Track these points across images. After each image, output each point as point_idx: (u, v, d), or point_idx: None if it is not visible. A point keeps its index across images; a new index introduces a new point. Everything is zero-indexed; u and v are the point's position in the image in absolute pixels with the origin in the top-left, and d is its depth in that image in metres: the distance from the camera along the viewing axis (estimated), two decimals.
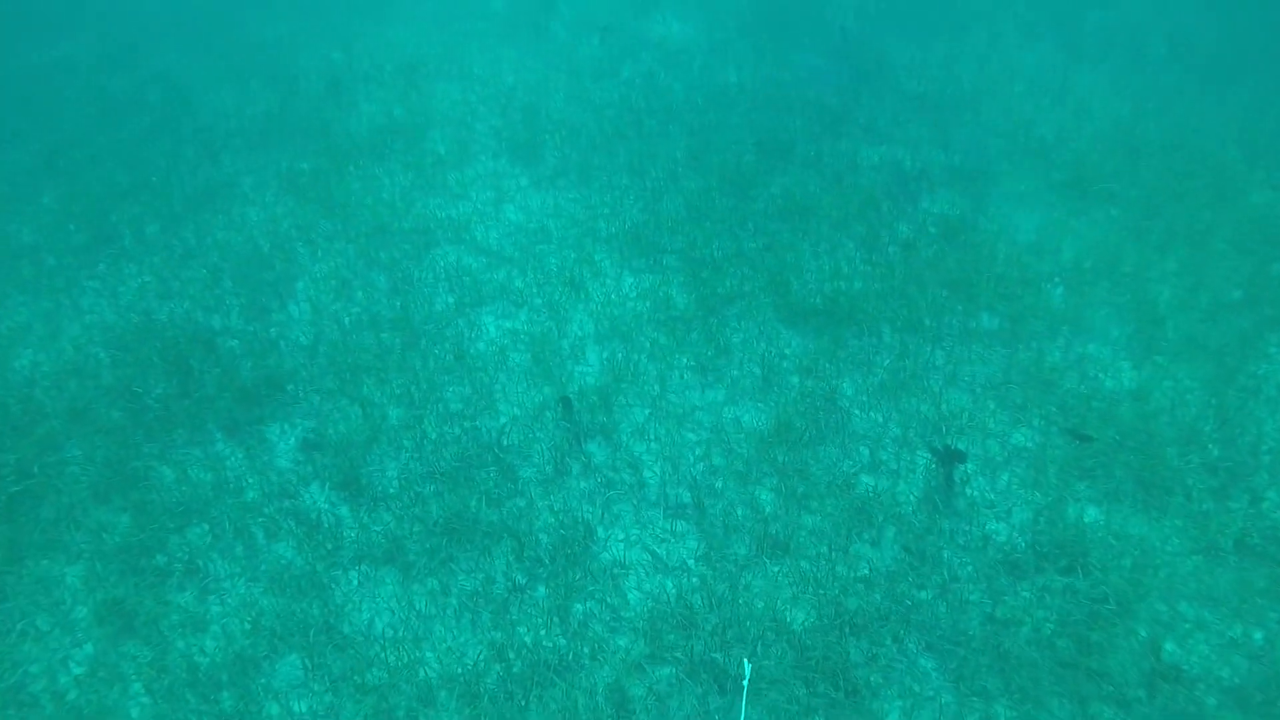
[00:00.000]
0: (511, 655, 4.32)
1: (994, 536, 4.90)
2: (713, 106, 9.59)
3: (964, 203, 7.95)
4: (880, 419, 5.72)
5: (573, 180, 8.43)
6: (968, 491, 5.17)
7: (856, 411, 5.77)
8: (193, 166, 8.81)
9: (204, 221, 7.93)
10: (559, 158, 8.77)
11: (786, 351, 6.28)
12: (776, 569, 4.74)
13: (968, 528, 4.96)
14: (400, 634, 4.47)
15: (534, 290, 6.94)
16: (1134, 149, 8.61)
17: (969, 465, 5.29)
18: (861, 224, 7.63)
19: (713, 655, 4.27)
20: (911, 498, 5.15)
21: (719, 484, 5.28)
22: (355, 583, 4.75)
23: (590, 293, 6.90)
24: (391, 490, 5.28)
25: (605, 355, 6.28)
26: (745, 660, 4.10)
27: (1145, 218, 7.62)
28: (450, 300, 6.89)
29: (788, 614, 4.47)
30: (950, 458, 5.15)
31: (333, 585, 4.72)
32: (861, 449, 5.51)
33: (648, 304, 6.72)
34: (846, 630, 4.36)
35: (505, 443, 5.60)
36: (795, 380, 6.02)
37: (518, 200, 8.22)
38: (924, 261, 7.12)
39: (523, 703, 4.11)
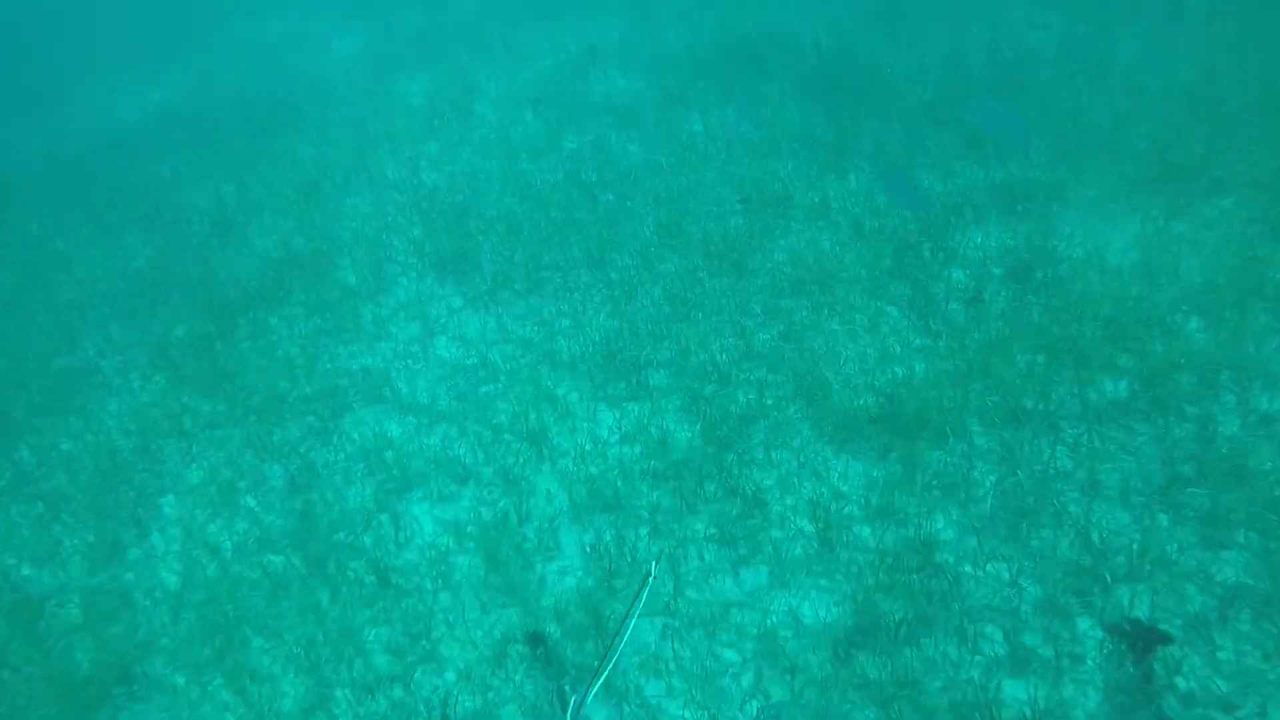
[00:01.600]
0: None
1: None
2: (680, 166, 8.17)
3: (1027, 228, 6.39)
4: (1006, 574, 4.01)
5: (518, 290, 6.93)
6: (1180, 685, 3.42)
7: (968, 568, 4.07)
8: (45, 355, 7.35)
9: (48, 429, 6.42)
10: (498, 264, 7.29)
11: (844, 488, 4.62)
12: None
13: None
14: None
15: (480, 456, 5.35)
16: (1221, 118, 7.06)
17: (1168, 629, 3.55)
18: (902, 281, 6.06)
19: None
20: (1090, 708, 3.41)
21: None
22: None
23: (557, 445, 5.30)
24: None
25: (588, 541, 4.63)
26: None
27: (1273, 201, 6.01)
28: (367, 490, 5.29)
29: None
30: (1139, 636, 3.42)
31: None
32: (992, 634, 3.78)
33: (636, 449, 5.12)
34: None
35: (455, 717, 3.89)
36: (866, 534, 4.33)
37: (451, 330, 6.70)
38: (1000, 319, 5.50)
39: None
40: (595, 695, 3.72)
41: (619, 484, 4.88)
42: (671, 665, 3.94)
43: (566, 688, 3.77)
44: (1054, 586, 3.91)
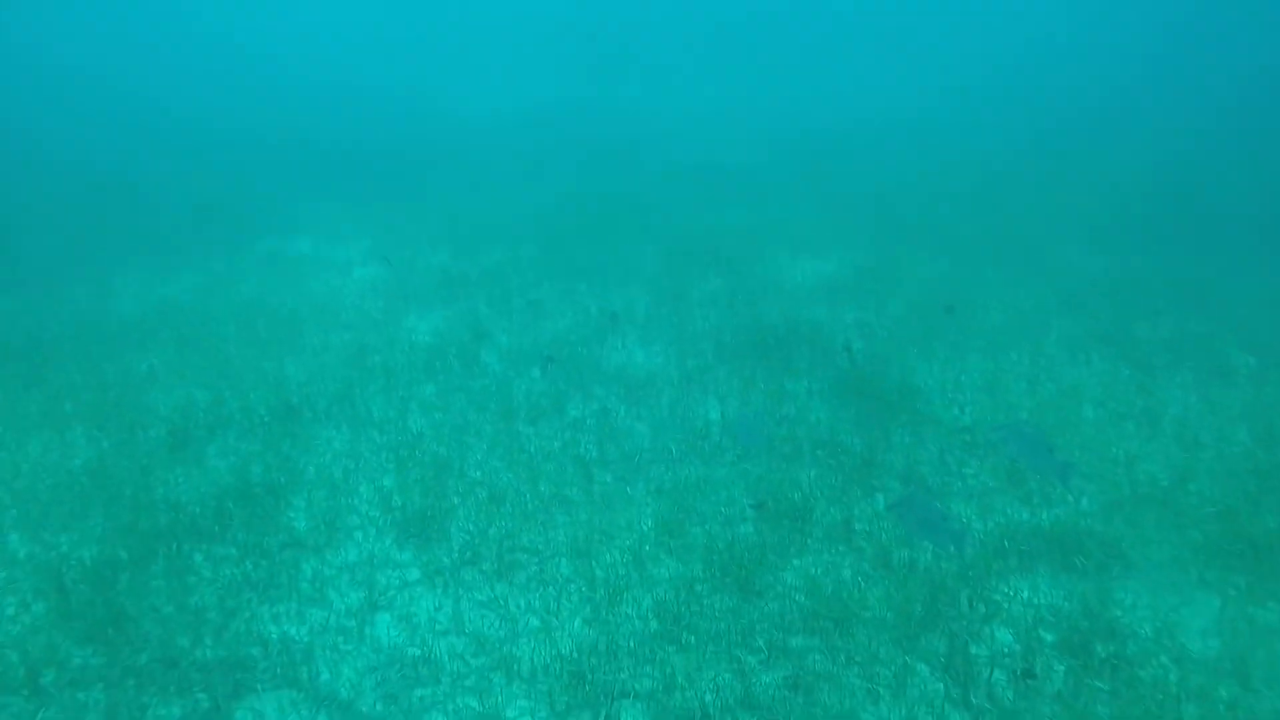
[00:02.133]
0: None
1: None
2: (690, 454, 7.60)
3: (1082, 588, 5.63)
4: None
5: (486, 572, 6.10)
6: None
7: None
8: None
9: None
10: (469, 536, 6.51)
11: None
12: None
13: None
14: None
15: None
16: None
17: None
18: (936, 633, 5.21)
19: None
20: None
21: None
22: None
23: None
24: None
25: None
26: None
27: None
28: None
29: None
30: None
31: None
32: None
33: None
34: None
35: None
36: None
37: (399, 606, 5.79)
38: (1056, 702, 4.58)
39: None
40: None
41: None
42: None
43: None
44: None
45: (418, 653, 5.30)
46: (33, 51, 37.15)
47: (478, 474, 7.37)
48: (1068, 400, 8.45)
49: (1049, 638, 5.27)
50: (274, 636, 5.52)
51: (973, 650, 5.12)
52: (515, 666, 5.12)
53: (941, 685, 4.89)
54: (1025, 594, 5.65)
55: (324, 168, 24.49)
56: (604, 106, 39.93)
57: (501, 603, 5.76)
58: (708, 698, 4.79)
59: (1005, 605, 5.52)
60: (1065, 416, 8.11)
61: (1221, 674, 4.84)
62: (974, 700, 4.75)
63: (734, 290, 12.22)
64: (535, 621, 5.54)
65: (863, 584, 5.71)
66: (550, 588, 5.87)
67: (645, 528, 6.50)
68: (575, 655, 5.14)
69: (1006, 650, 5.15)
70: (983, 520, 6.52)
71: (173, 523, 6.75)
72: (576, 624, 5.47)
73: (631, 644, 5.21)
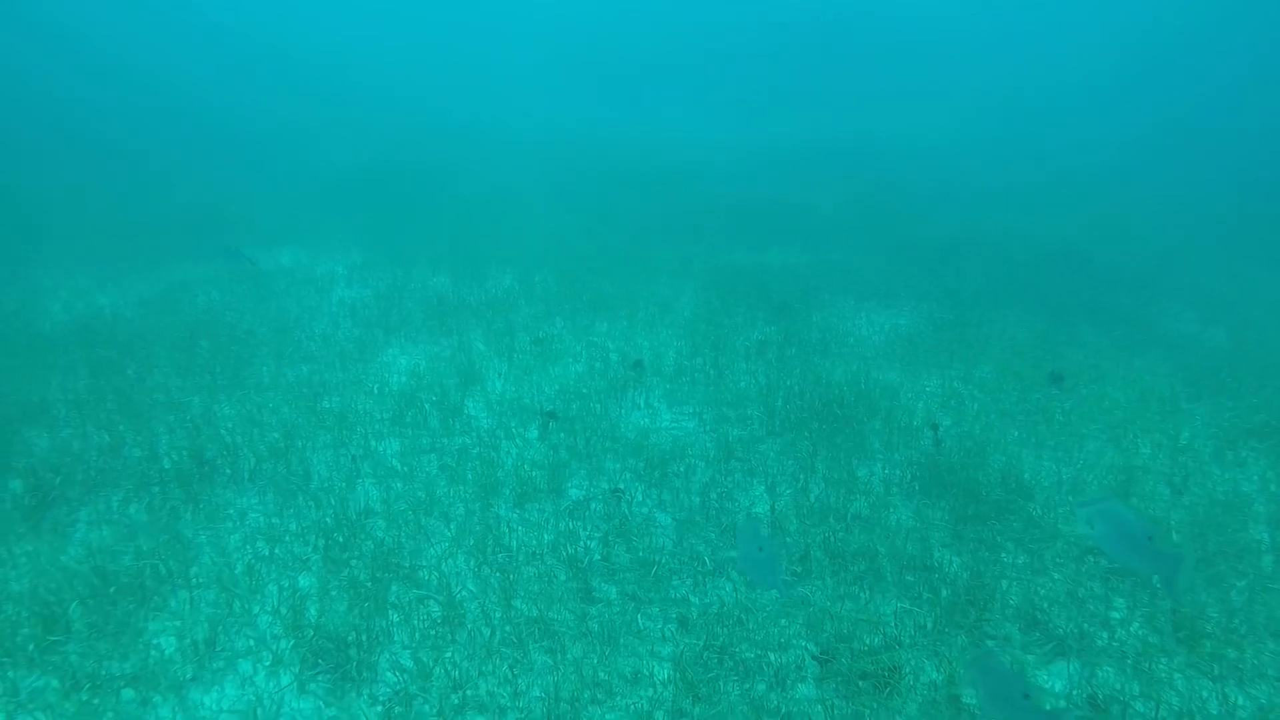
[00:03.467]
0: None
1: None
2: (730, 566, 5.72)
3: None
4: None
5: None
6: None
7: None
8: None
9: None
10: (404, 678, 4.66)
11: None
12: None
13: None
14: None
15: None
16: None
17: None
18: None
19: None
20: None
21: None
22: None
23: None
24: None
25: None
26: None
27: None
28: None
29: None
30: None
31: None
32: None
33: None
34: None
35: None
36: None
37: None
38: None
39: None
40: None
41: None
42: None
43: None
44: None
45: None
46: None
47: (432, 577, 5.55)
48: (1229, 516, 6.50)
49: None
50: None
51: None
52: None
53: None
54: None
55: (332, 178, 23.12)
56: (643, 130, 38.64)
57: None
58: None
59: None
60: (1231, 539, 6.16)
61: None
62: None
63: (787, 341, 10.40)
64: None
65: None
66: None
67: (660, 682, 4.65)
68: None
69: None
70: (1148, 701, 4.59)
71: (8, 621, 4.99)
72: None
73: None
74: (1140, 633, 5.19)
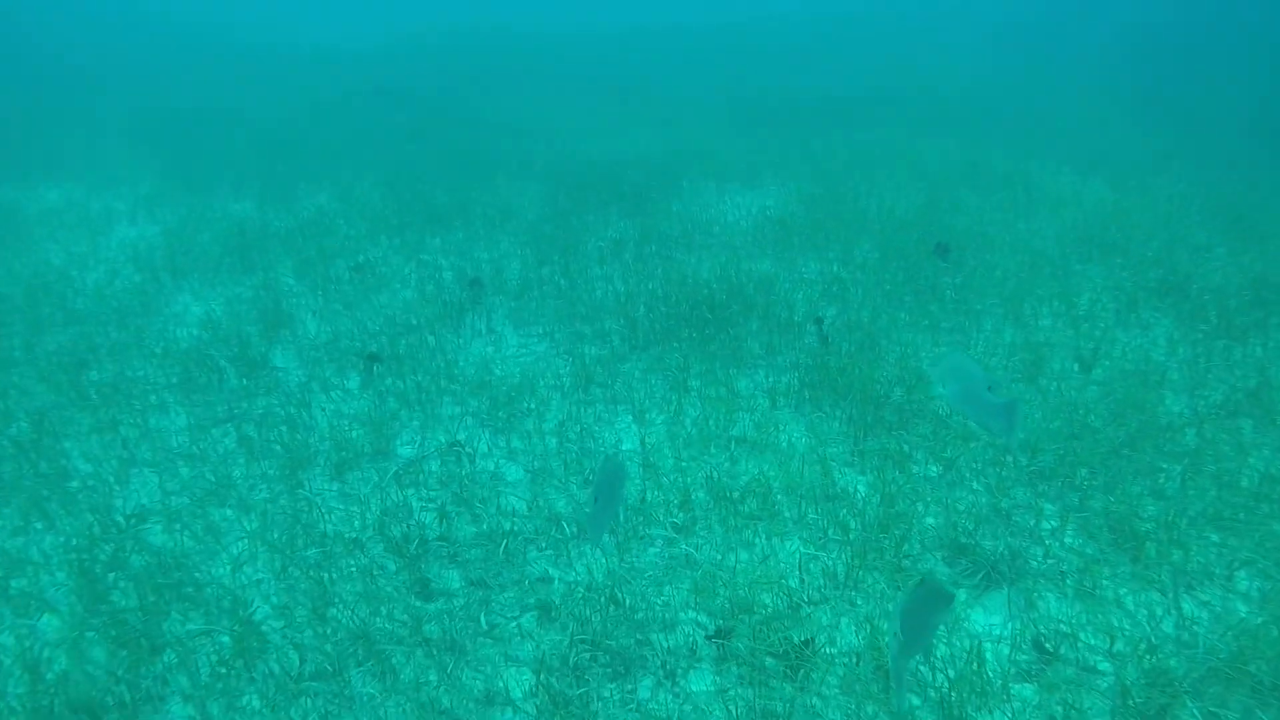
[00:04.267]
0: None
1: None
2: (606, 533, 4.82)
3: None
4: None
5: None
6: None
7: None
8: None
9: None
10: None
11: None
12: None
13: None
14: None
15: None
16: None
17: None
18: None
19: None
20: None
21: None
22: None
23: None
24: None
25: None
26: None
27: None
28: None
29: None
30: None
31: None
32: None
33: None
34: None
35: None
36: None
37: None
38: None
39: None
40: None
41: None
42: None
43: None
44: None
45: None
46: None
47: (221, 594, 4.41)
48: (1145, 391, 5.97)
49: None
50: None
51: None
52: None
53: None
54: None
55: (122, 116, 20.32)
56: (469, 22, 36.30)
57: None
58: None
59: None
60: (1151, 417, 5.62)
61: None
62: None
63: (645, 237, 9.37)
64: None
65: None
66: None
67: (519, 699, 3.70)
68: None
69: None
70: (1099, 633, 3.95)
71: None
72: None
73: None
74: (1076, 544, 4.55)
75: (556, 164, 13.09)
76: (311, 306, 8.04)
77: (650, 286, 7.92)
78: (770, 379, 6.30)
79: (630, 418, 5.90)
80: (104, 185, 13.35)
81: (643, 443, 5.56)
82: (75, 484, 5.44)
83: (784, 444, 5.47)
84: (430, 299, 8.03)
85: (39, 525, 5.04)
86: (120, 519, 5.03)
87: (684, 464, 5.30)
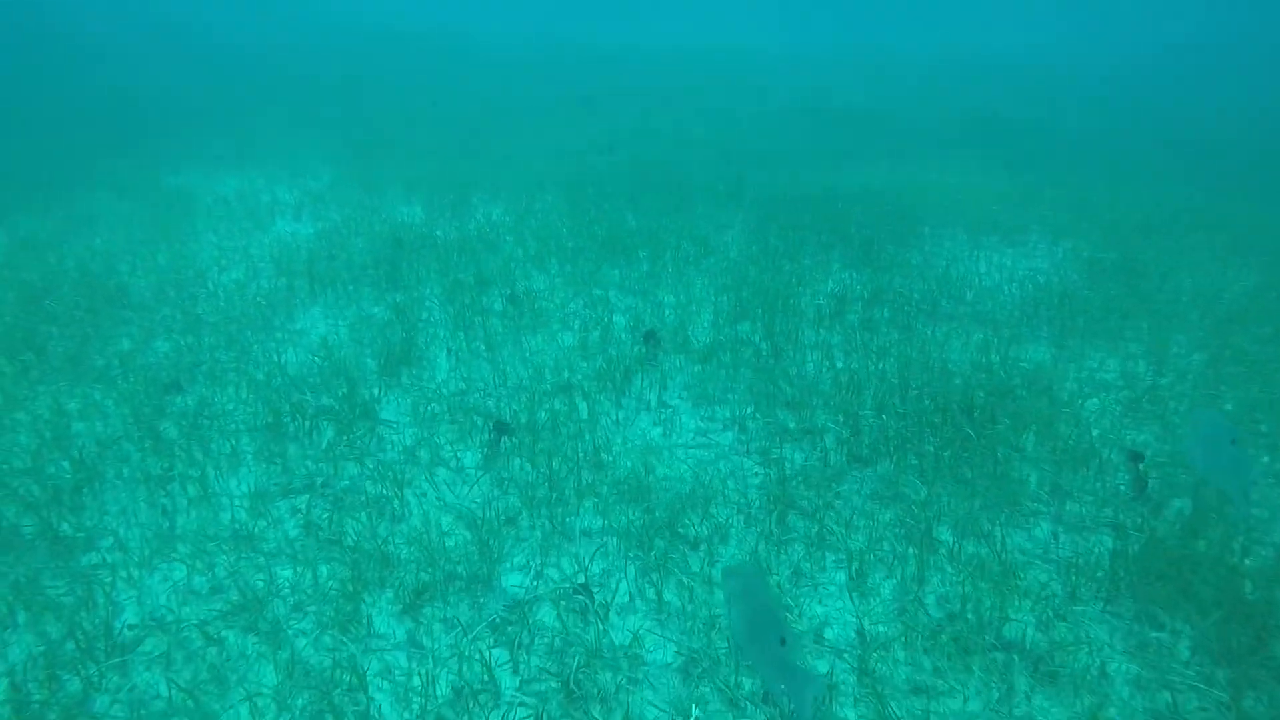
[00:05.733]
0: None
1: None
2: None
3: None
4: None
5: None
6: None
7: None
8: None
9: None
10: None
11: None
12: None
13: None
14: None
15: None
16: None
17: None
18: None
19: None
20: None
21: None
22: None
23: None
24: None
25: None
26: None
27: None
28: None
29: None
30: None
31: None
32: None
33: None
34: None
35: None
36: None
37: None
38: None
39: None
40: None
41: None
42: None
43: None
44: None
45: None
46: None
47: None
48: None
49: None
50: None
51: None
52: None
53: None
54: None
55: (311, 97, 20.44)
56: (681, 32, 35.42)
57: None
58: None
59: None
60: None
61: None
62: None
63: (877, 296, 7.47)
64: None
65: None
66: None
67: None
68: None
69: None
70: None
71: None
72: None
73: None
74: None
75: (768, 192, 11.38)
76: (448, 342, 6.66)
77: (882, 367, 6.02)
78: (1064, 545, 4.27)
79: (844, 578, 4.04)
80: (285, 176, 12.83)
81: (861, 631, 3.69)
82: (89, 560, 4.18)
83: (1086, 669, 3.45)
84: (593, 350, 6.48)
85: (26, 623, 3.77)
86: (116, 630, 3.68)
87: (926, 682, 3.39)
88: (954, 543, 4.21)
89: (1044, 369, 6.07)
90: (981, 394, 5.51)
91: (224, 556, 4.19)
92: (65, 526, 4.41)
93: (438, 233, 9.49)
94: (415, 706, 3.31)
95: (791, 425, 5.42)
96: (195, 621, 3.75)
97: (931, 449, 4.99)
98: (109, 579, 4.01)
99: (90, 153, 14.24)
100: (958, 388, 5.61)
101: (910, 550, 4.17)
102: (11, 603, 3.83)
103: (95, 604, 3.84)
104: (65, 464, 4.94)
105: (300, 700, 3.34)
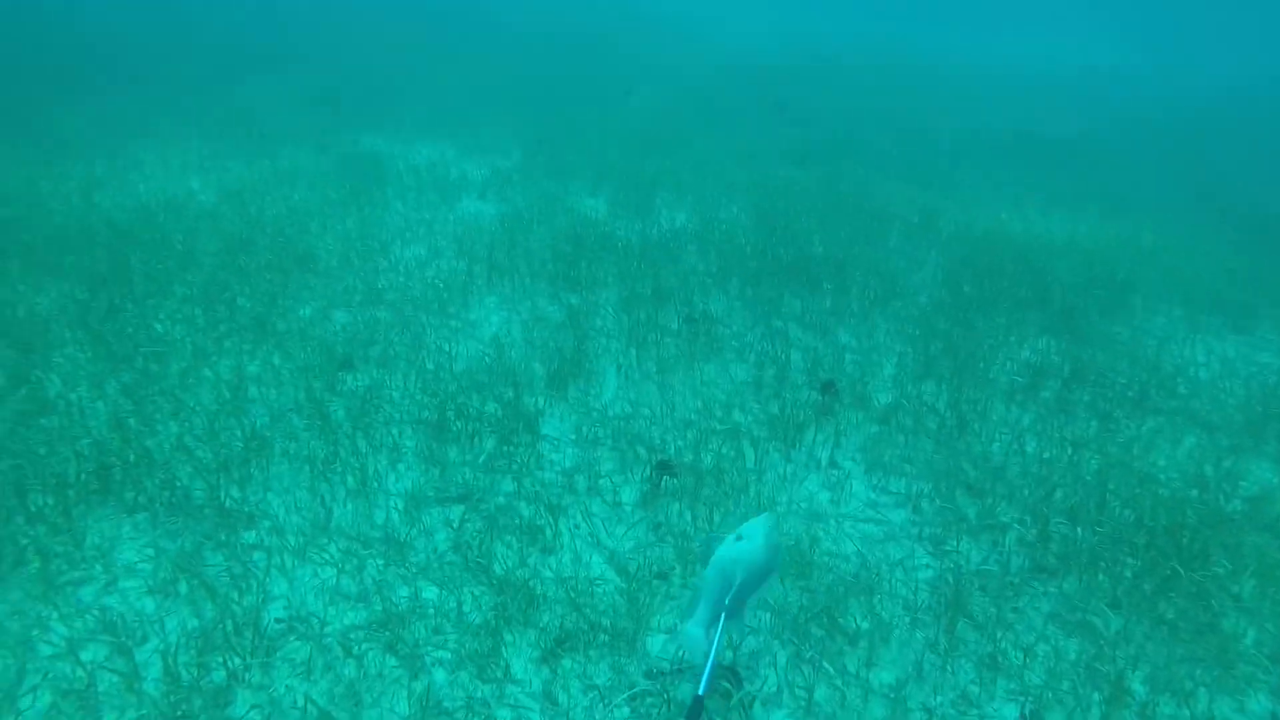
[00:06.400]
0: None
1: None
2: None
3: None
4: None
5: None
6: None
7: None
8: None
9: None
10: None
11: None
12: None
13: None
14: None
15: None
16: None
17: None
18: None
19: None
20: None
21: None
22: None
23: None
24: None
25: None
26: None
27: None
28: None
29: None
30: None
31: None
32: None
33: None
34: None
35: None
36: None
37: None
38: None
39: None
40: None
41: None
42: None
43: None
44: None
45: None
46: None
47: None
48: None
49: None
50: None
51: None
52: None
53: None
54: None
55: (513, 64, 20.84)
56: (888, 39, 34.40)
57: None
58: None
59: None
60: None
61: None
62: None
63: (1078, 374, 6.90)
64: None
65: None
66: None
67: None
68: None
69: None
70: None
71: None
72: None
73: None
74: None
75: (964, 233, 10.79)
76: (619, 359, 6.55)
77: (1077, 464, 5.53)
78: None
79: (1014, 715, 3.67)
80: (476, 149, 13.11)
81: None
82: (249, 539, 4.26)
83: None
84: (767, 391, 6.23)
85: (169, 598, 3.86)
86: (264, 623, 3.73)
87: None
88: (1148, 698, 3.77)
89: (1272, 494, 5.43)
90: (1191, 520, 4.96)
91: (374, 561, 4.20)
92: (232, 496, 4.53)
93: (619, 233, 9.42)
94: None
95: (971, 514, 5.02)
96: (338, 628, 3.75)
97: (1129, 575, 4.51)
98: (264, 564, 4.08)
99: (297, 108, 14.99)
100: (1163, 513, 5.07)
101: (1095, 696, 3.76)
102: (175, 572, 3.94)
103: (249, 588, 3.91)
104: (239, 432, 5.09)
105: None
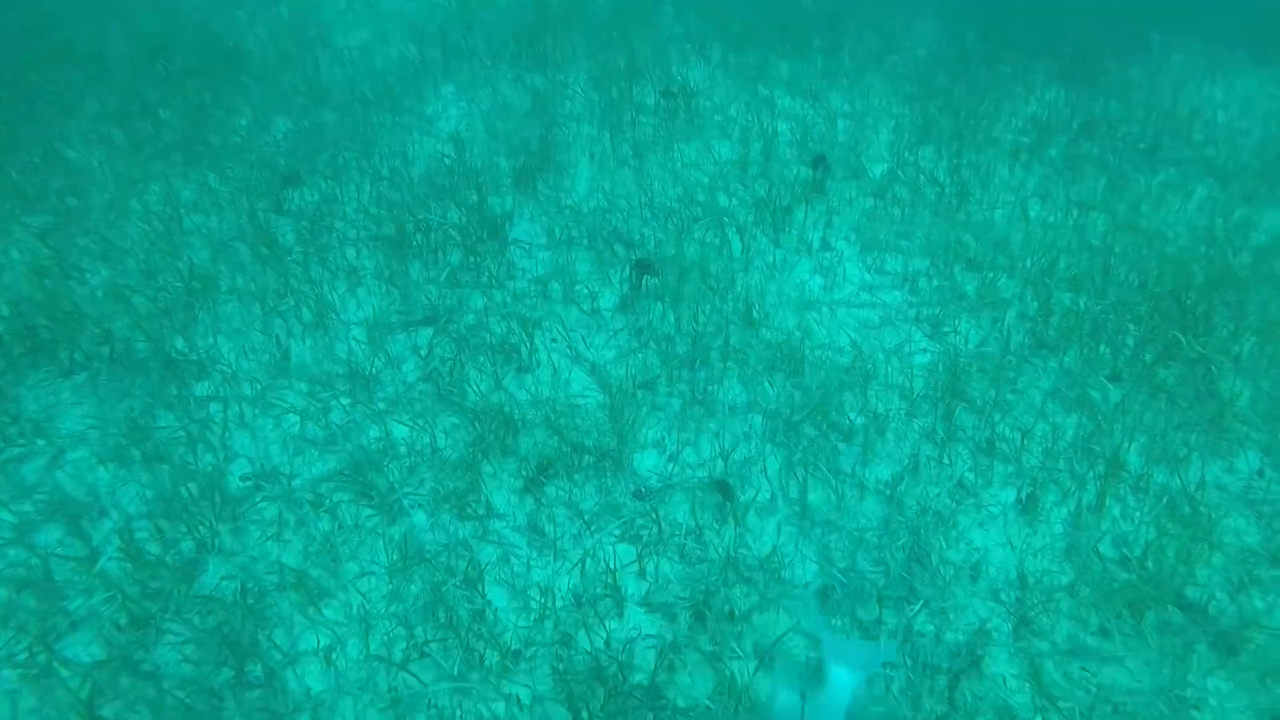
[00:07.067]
0: None
1: None
2: None
3: None
4: None
5: None
6: None
7: None
8: None
9: None
10: None
11: None
12: None
13: None
14: None
15: None
16: None
17: None
18: None
19: None
20: None
21: None
22: None
23: None
24: None
25: None
26: None
27: None
28: None
29: None
30: None
31: None
32: None
33: None
34: None
35: None
36: None
37: None
38: None
39: None
40: None
41: None
42: None
43: None
44: None
45: None
46: None
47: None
48: None
49: None
50: None
51: None
52: None
53: None
54: None
55: None
56: None
57: None
58: None
59: None
60: None
61: None
62: None
63: (1089, 127, 6.42)
64: None
65: None
66: None
67: None
68: None
69: None
70: None
71: None
72: None
73: None
74: None
75: None
76: (592, 145, 6.08)
77: (1082, 227, 5.19)
78: (1272, 488, 3.63)
79: (1010, 494, 3.55)
80: None
81: (1019, 603, 3.23)
82: (203, 390, 4.03)
83: None
84: (754, 169, 5.80)
85: (125, 466, 3.67)
86: (228, 482, 3.56)
87: (1089, 644, 2.97)
88: (1142, 469, 3.63)
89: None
90: (1200, 272, 4.68)
91: (339, 401, 3.98)
92: (176, 347, 4.25)
93: (592, 4, 8.61)
94: (530, 618, 3.09)
95: (970, 289, 4.75)
96: (307, 479, 3.59)
97: (1131, 343, 4.28)
98: (220, 418, 3.86)
99: None
100: (1170, 260, 4.77)
101: (1090, 473, 3.62)
102: (126, 438, 3.73)
103: (208, 446, 3.71)
104: (178, 270, 4.75)
105: (415, 588, 3.17)
